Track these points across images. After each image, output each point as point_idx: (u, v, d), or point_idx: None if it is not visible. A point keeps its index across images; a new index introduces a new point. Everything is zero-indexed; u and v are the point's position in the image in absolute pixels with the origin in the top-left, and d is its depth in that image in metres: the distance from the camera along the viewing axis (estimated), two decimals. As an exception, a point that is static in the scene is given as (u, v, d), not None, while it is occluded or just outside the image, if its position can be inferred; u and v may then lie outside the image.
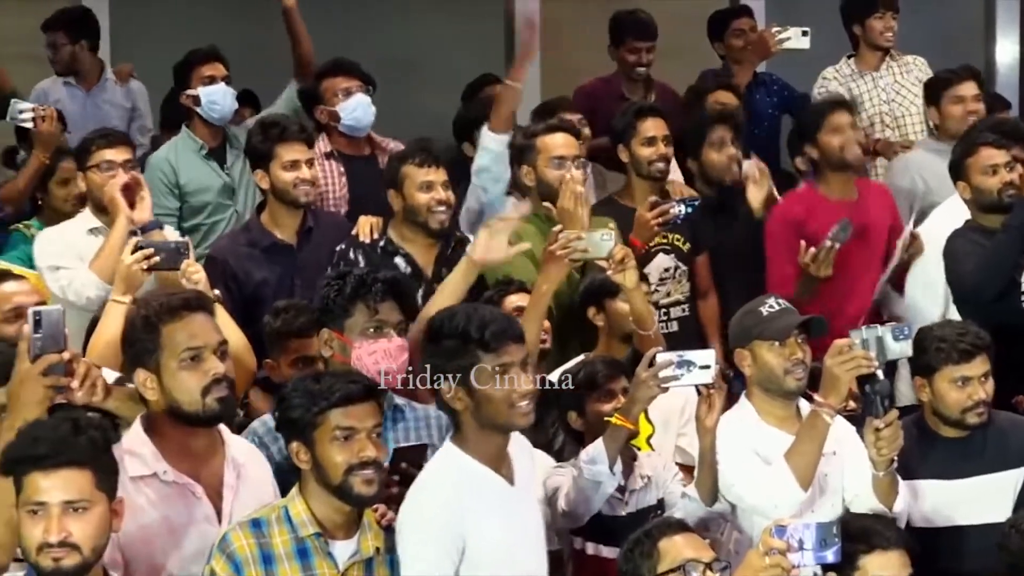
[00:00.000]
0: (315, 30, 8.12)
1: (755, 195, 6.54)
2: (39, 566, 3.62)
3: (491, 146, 6.46)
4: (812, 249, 6.16)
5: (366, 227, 6.01)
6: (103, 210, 6.03)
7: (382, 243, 5.93)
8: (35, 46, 8.42)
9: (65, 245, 6.01)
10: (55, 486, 3.63)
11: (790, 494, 4.69)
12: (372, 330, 4.65)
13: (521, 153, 6.09)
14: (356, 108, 6.81)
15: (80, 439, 3.67)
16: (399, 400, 4.73)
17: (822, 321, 4.93)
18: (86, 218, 6.17)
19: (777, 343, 4.83)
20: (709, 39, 8.50)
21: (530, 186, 6.07)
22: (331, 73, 6.92)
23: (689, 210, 6.13)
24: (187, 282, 5.03)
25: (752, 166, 6.62)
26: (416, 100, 9.18)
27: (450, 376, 4.12)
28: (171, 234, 5.93)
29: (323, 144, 6.84)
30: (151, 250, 5.10)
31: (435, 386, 4.17)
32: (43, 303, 4.91)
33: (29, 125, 6.86)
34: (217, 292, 5.19)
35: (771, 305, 4.92)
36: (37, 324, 3.84)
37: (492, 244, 5.07)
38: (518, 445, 4.31)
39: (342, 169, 6.81)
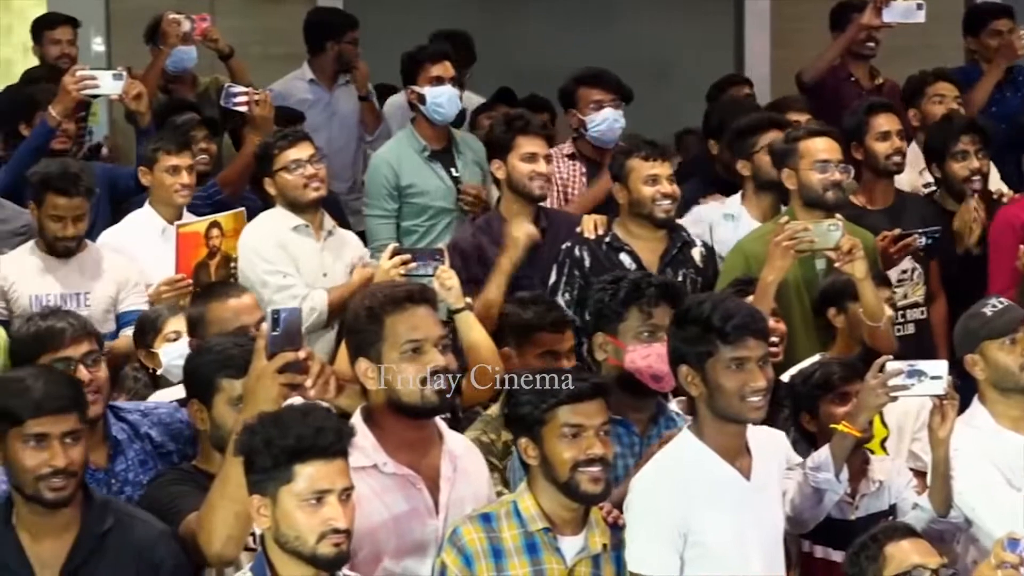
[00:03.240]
0: (550, 32, 8.25)
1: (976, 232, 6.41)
2: (318, 554, 3.68)
3: None
4: None
5: (590, 224, 6.06)
6: (301, 208, 6.17)
7: (607, 239, 5.96)
8: (276, 46, 8.59)
9: (277, 245, 6.12)
10: (336, 474, 3.71)
11: None
12: (646, 334, 4.62)
13: (783, 156, 6.02)
14: (602, 123, 6.82)
15: (344, 430, 3.75)
16: (674, 407, 4.70)
17: None
18: (284, 214, 6.25)
19: (1007, 340, 4.76)
20: (963, 34, 8.34)
21: (792, 189, 6.00)
22: (589, 83, 6.92)
23: (930, 241, 6.13)
24: (441, 288, 5.16)
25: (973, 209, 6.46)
26: (648, 99, 9.13)
27: (690, 361, 4.14)
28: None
29: (567, 145, 6.86)
30: (408, 256, 5.26)
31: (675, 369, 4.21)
32: (262, 319, 5.03)
33: (243, 109, 6.94)
34: (469, 300, 5.27)
35: (994, 305, 4.87)
36: (275, 323, 3.91)
37: None
38: (767, 442, 4.30)
39: (584, 170, 6.83)
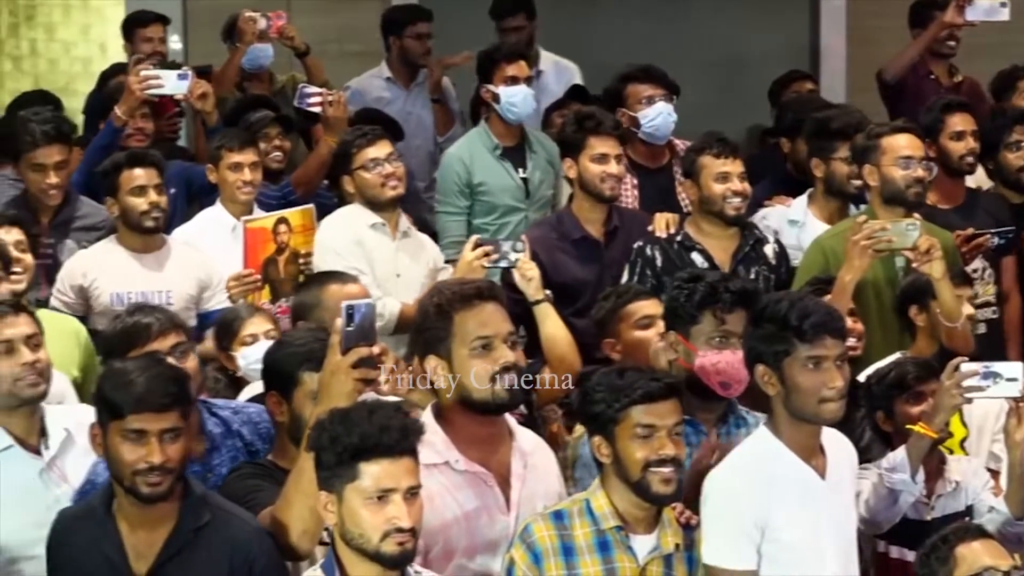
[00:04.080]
0: (622, 28, 8.21)
1: None
2: (381, 552, 3.68)
3: None
4: None
5: (662, 223, 6.05)
6: (379, 206, 6.19)
7: (679, 238, 5.95)
8: (352, 43, 8.62)
9: (354, 242, 6.15)
10: (402, 473, 3.71)
11: None
12: (718, 340, 4.56)
13: (864, 153, 5.98)
14: (656, 116, 6.76)
15: (411, 428, 3.75)
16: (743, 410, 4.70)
17: None
18: (362, 212, 6.27)
19: None
20: None
21: (873, 186, 5.95)
22: (637, 79, 6.88)
23: (1002, 241, 6.09)
24: (521, 279, 5.20)
25: None
26: (722, 96, 9.12)
27: (767, 360, 4.12)
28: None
29: None
30: (490, 247, 5.29)
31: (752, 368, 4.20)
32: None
33: (317, 110, 6.97)
34: (548, 292, 5.27)
35: None
36: (350, 318, 3.91)
37: None
38: (837, 443, 4.28)
39: (635, 182, 6.75)
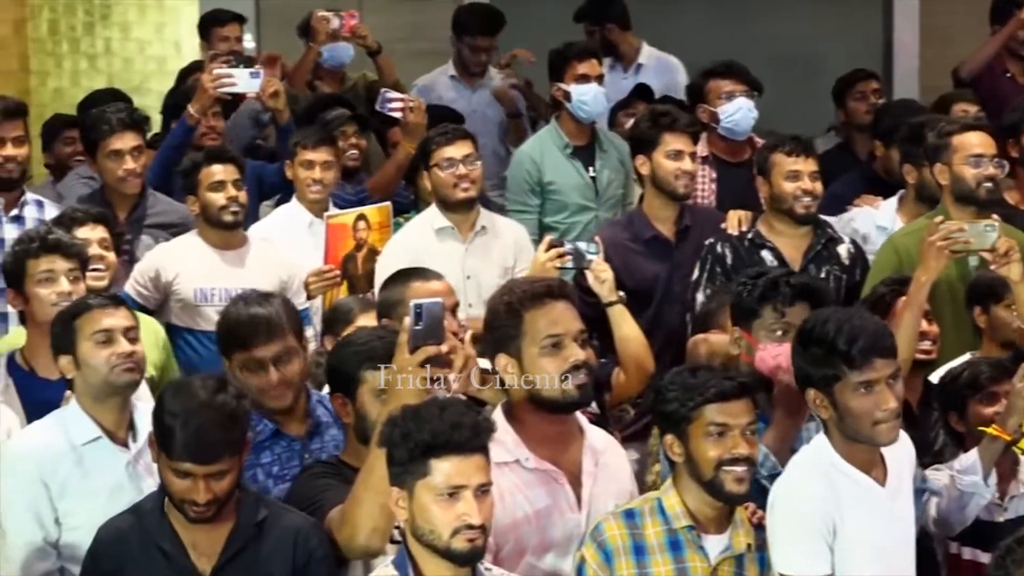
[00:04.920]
0: (696, 28, 8.18)
1: None
2: (451, 548, 3.67)
3: None
4: None
5: (734, 220, 6.03)
6: (450, 206, 6.19)
7: (750, 236, 5.94)
8: (421, 42, 8.65)
9: (410, 252, 6.11)
10: (472, 470, 3.70)
11: None
12: (779, 332, 4.56)
13: (936, 152, 5.94)
14: (736, 112, 6.75)
15: (482, 426, 3.75)
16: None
17: None
18: (433, 216, 6.29)
19: None
20: None
21: (944, 185, 5.91)
22: (719, 74, 6.87)
23: None
24: (595, 281, 5.23)
25: None
26: (795, 95, 9.08)
27: (817, 384, 4.07)
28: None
29: (701, 146, 6.81)
30: (563, 248, 5.31)
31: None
32: (457, 304, 5.07)
33: (398, 115, 6.98)
34: (622, 293, 5.27)
35: None
36: (418, 317, 3.91)
37: None
38: (897, 445, 4.19)
39: (714, 175, 6.77)
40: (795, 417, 4.42)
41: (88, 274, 5.37)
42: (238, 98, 7.24)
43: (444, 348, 3.94)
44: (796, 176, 5.85)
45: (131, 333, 4.63)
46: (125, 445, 4.59)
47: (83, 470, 4.51)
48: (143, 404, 4.73)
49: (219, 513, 4.07)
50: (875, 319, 4.28)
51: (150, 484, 4.46)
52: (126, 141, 6.35)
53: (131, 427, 4.62)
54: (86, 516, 4.40)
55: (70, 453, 4.51)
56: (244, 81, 6.83)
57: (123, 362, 4.56)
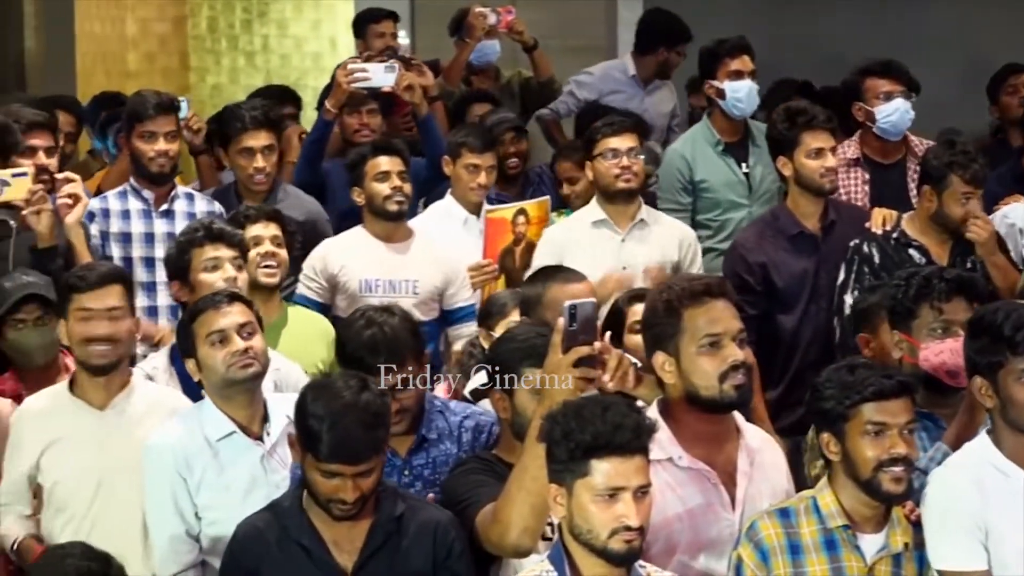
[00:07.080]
0: (855, 22, 8.08)
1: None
2: (608, 549, 3.68)
3: None
4: None
5: (879, 218, 5.99)
6: (610, 197, 6.23)
7: (895, 235, 5.88)
8: (575, 39, 8.67)
9: (560, 245, 6.18)
10: (632, 472, 3.70)
11: None
12: (939, 330, 4.54)
13: None
14: (893, 113, 6.67)
15: (644, 427, 3.74)
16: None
17: None
18: (591, 209, 6.32)
19: None
20: None
21: None
22: (876, 73, 6.80)
23: None
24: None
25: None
26: (961, 91, 8.96)
27: (983, 371, 4.05)
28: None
29: (851, 149, 6.74)
30: None
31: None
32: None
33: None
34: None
35: None
36: (572, 317, 3.91)
37: None
38: None
39: (867, 177, 6.70)
40: (973, 414, 4.37)
41: (260, 270, 5.48)
42: (378, 93, 7.30)
43: (597, 347, 3.94)
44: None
45: (247, 328, 4.67)
46: (259, 438, 4.66)
47: (219, 465, 4.60)
48: (279, 396, 4.79)
49: (363, 510, 4.12)
50: None
51: (284, 476, 4.55)
52: (258, 139, 6.42)
53: (265, 420, 4.68)
54: (224, 510, 4.50)
55: (206, 448, 4.61)
56: (378, 76, 6.90)
57: (239, 360, 4.62)
